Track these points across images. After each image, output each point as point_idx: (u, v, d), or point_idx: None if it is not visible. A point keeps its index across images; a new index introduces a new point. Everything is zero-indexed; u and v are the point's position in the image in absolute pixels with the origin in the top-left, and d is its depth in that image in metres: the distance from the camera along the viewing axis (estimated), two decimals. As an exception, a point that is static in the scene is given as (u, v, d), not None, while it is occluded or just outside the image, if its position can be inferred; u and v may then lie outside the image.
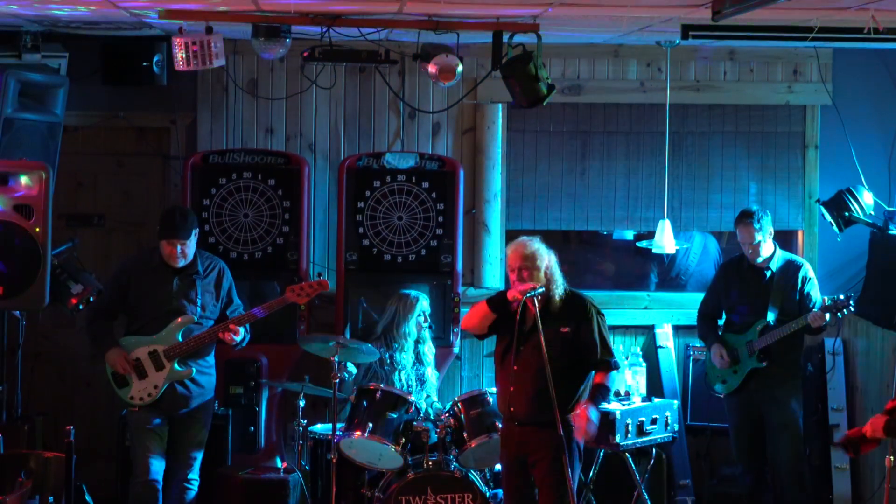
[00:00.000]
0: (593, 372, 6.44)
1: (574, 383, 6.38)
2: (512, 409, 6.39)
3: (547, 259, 6.37)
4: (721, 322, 7.70)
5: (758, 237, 7.39)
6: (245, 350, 7.72)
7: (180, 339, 6.96)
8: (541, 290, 6.24)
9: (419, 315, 7.48)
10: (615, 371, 6.45)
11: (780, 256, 7.52)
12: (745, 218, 7.44)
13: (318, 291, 7.08)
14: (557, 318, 6.35)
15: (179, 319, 6.97)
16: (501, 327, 6.43)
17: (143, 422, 7.01)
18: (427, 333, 7.54)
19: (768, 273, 7.45)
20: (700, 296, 7.92)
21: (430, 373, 7.56)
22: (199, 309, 7.02)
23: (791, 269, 7.48)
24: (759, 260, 7.45)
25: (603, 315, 6.48)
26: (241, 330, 7.00)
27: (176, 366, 6.96)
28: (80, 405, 8.25)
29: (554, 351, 6.22)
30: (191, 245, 7.01)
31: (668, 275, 8.81)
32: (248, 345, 7.69)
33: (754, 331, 7.40)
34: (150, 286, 7.05)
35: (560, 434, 6.10)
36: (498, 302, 6.39)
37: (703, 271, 8.69)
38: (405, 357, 7.45)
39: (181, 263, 7.02)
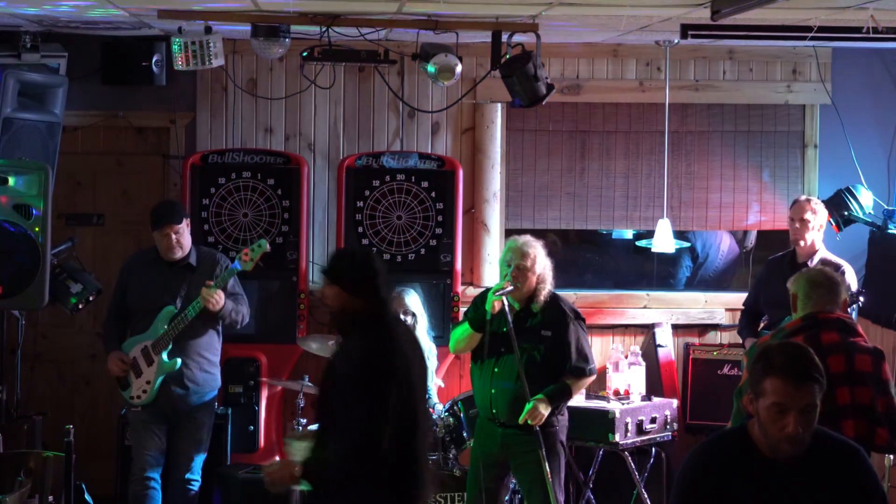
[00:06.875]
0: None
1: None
2: (494, 411, 6.42)
3: (543, 264, 6.45)
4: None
5: (810, 217, 7.31)
6: (245, 349, 7.73)
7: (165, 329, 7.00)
8: (509, 288, 6.34)
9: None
10: (589, 378, 6.50)
11: (821, 257, 7.36)
12: (801, 198, 7.45)
13: (259, 253, 7.01)
14: (539, 321, 6.43)
15: (162, 313, 6.98)
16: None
17: (142, 421, 7.03)
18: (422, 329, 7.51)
19: None
20: (704, 295, 7.90)
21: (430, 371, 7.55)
22: (178, 301, 7.00)
23: (828, 268, 7.40)
24: (803, 244, 7.36)
25: (583, 320, 6.55)
26: (221, 299, 6.95)
27: (164, 358, 6.96)
28: (79, 405, 8.25)
29: (536, 352, 6.34)
30: (185, 234, 7.03)
31: (697, 272, 8.77)
32: (247, 344, 7.70)
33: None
34: (143, 283, 7.08)
35: (537, 431, 6.18)
36: (479, 320, 6.42)
37: (727, 270, 8.69)
38: None
39: (178, 254, 7.02)
